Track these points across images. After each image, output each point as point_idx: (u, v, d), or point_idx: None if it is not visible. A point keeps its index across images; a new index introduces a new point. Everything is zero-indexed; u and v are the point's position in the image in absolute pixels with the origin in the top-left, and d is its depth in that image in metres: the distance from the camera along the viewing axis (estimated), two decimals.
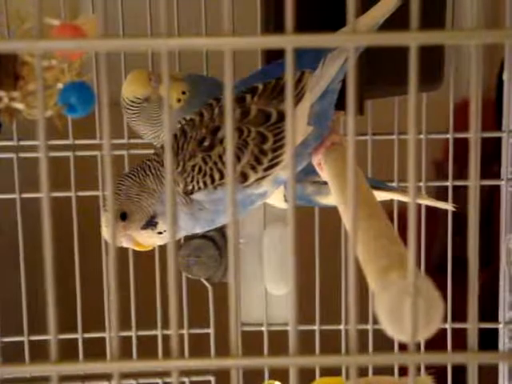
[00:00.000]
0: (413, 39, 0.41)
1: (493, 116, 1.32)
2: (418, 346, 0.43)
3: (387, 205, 0.99)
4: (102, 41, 0.39)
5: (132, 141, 1.10)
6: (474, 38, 0.41)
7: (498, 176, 1.13)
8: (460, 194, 1.08)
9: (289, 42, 0.40)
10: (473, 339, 0.42)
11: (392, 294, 0.43)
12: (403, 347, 0.44)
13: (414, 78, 0.42)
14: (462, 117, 0.99)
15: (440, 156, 1.74)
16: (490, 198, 1.74)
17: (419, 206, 1.01)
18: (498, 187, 1.13)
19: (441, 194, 1.14)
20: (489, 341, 1.13)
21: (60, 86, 0.48)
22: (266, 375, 1.11)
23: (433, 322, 0.43)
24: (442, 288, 1.16)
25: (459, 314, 1.06)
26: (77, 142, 1.11)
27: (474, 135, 0.43)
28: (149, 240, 0.81)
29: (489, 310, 1.15)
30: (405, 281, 0.43)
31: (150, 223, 0.80)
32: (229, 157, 0.43)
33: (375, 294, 0.46)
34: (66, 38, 0.45)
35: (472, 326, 0.41)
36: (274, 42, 0.41)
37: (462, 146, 1.09)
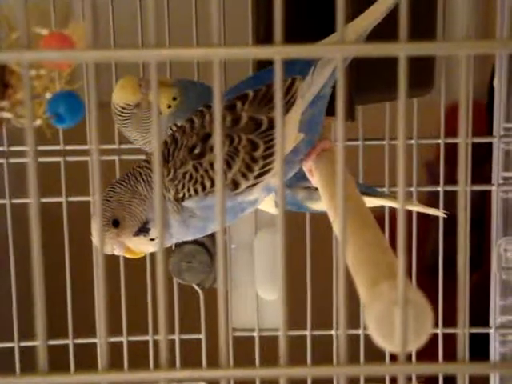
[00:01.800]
0: (402, 50, 0.41)
1: (484, 119, 1.32)
2: (409, 354, 0.43)
3: (378, 209, 0.99)
4: (91, 52, 0.39)
5: (123, 146, 1.10)
6: (463, 48, 0.41)
7: (490, 177, 1.13)
8: (452, 194, 1.08)
9: (277, 52, 0.40)
10: (463, 349, 0.42)
11: (382, 304, 0.43)
12: (394, 355, 0.44)
13: (404, 87, 0.41)
14: (454, 119, 0.99)
15: (431, 158, 1.74)
16: (482, 200, 1.74)
17: (410, 210, 1.01)
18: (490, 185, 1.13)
19: (433, 196, 1.14)
20: (480, 342, 1.13)
21: (49, 95, 0.48)
22: (258, 383, 1.11)
23: (423, 332, 0.43)
24: (433, 288, 1.15)
25: (451, 313, 1.06)
26: (67, 147, 1.11)
27: (463, 142, 0.43)
28: (141, 247, 0.81)
29: (479, 312, 1.15)
30: (395, 291, 0.43)
31: (143, 230, 0.80)
32: (218, 165, 0.43)
33: (365, 304, 0.46)
34: (54, 48, 0.45)
35: (462, 335, 0.41)
36: (262, 52, 0.41)
37: (453, 147, 1.09)
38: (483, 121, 1.33)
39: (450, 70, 1.07)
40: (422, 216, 1.06)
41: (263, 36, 0.95)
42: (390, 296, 0.43)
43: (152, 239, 0.80)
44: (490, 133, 1.13)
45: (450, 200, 1.08)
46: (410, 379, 0.95)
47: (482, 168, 1.25)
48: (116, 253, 0.81)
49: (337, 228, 0.63)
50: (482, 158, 1.17)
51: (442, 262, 1.10)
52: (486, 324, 1.14)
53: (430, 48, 0.41)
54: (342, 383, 0.43)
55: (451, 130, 1.10)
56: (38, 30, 0.48)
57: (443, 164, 1.10)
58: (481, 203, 1.74)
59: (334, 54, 0.41)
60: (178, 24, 1.05)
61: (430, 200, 1.13)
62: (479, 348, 1.09)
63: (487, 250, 1.15)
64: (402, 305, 0.42)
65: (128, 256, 0.82)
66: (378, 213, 1.01)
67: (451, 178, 1.11)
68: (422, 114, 1.08)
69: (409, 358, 0.44)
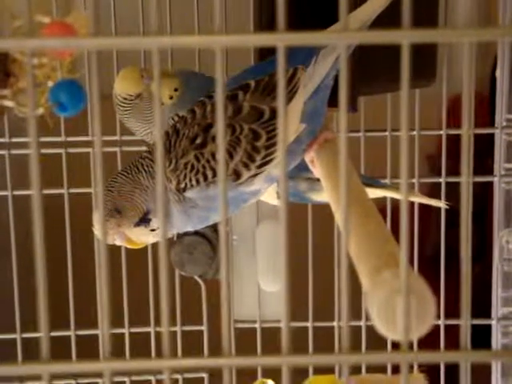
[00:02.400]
0: (405, 37, 0.40)
1: (487, 109, 1.32)
2: (411, 343, 0.43)
3: (380, 200, 0.98)
4: (93, 39, 0.39)
5: (124, 137, 1.10)
6: (466, 36, 0.40)
7: (492, 170, 1.13)
8: (454, 186, 1.08)
9: (280, 40, 0.40)
10: (465, 338, 0.42)
11: (384, 293, 0.43)
12: (396, 344, 0.44)
13: (406, 76, 0.41)
14: (456, 110, 0.99)
15: (433, 150, 1.74)
16: (485, 191, 1.74)
17: (412, 201, 1.01)
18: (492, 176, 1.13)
19: (435, 188, 1.14)
20: (481, 334, 1.13)
21: (51, 83, 0.48)
22: (259, 373, 1.11)
23: (425, 320, 0.43)
24: (435, 279, 1.15)
25: (452, 304, 1.06)
26: (69, 139, 1.11)
27: (465, 134, 0.43)
28: (142, 237, 0.81)
29: (481, 303, 1.15)
30: (397, 280, 0.43)
31: (144, 220, 0.79)
32: (220, 155, 0.43)
33: (367, 292, 0.45)
34: (56, 36, 0.45)
35: (464, 324, 0.41)
36: (265, 40, 0.41)
37: (455, 139, 1.09)
38: (485, 113, 1.33)
39: (451, 62, 1.07)
40: (423, 207, 1.06)
41: (265, 24, 0.95)
42: (393, 284, 0.43)
43: (153, 230, 0.80)
44: (492, 125, 1.13)
45: (452, 191, 1.08)
46: (411, 367, 0.95)
47: (484, 160, 1.25)
48: (117, 243, 0.81)
49: (339, 218, 0.63)
50: (483, 150, 1.17)
51: (443, 254, 1.10)
52: (488, 315, 1.14)
53: (432, 35, 0.41)
54: (345, 370, 0.43)
55: (453, 123, 1.10)
56: (39, 19, 0.47)
57: (445, 156, 1.10)
58: (482, 194, 1.74)
59: (337, 42, 0.41)
60: (180, 12, 1.05)
61: (432, 192, 1.13)
62: (481, 339, 1.10)
63: (489, 240, 1.15)
64: (404, 293, 0.42)
65: (129, 246, 0.82)
66: (380, 204, 1.01)
67: (453, 171, 1.11)
68: (423, 105, 1.08)
69: (410, 347, 0.44)
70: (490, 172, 1.13)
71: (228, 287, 0.44)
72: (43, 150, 1.08)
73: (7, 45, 0.39)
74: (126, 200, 0.79)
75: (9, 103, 0.49)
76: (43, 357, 0.43)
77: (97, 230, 0.80)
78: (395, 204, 1.04)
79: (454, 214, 0.96)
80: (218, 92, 0.42)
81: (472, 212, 0.99)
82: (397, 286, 0.43)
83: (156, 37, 0.40)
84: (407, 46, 0.41)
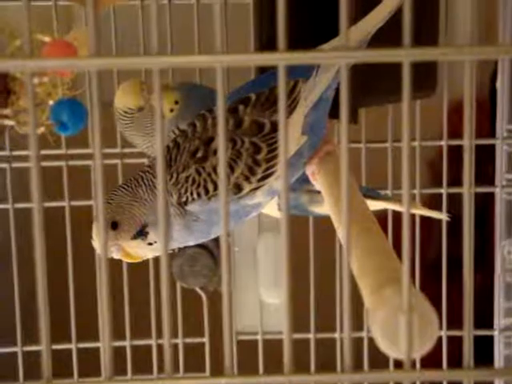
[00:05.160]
0: (405, 56, 0.40)
1: (486, 117, 1.32)
2: (414, 361, 0.43)
3: (381, 211, 0.98)
4: (93, 60, 0.39)
5: (125, 150, 1.10)
6: (467, 54, 0.40)
7: (493, 177, 1.12)
8: (456, 195, 1.08)
9: (281, 59, 0.40)
10: (468, 357, 0.42)
11: (386, 311, 0.43)
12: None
13: (407, 94, 0.41)
14: (456, 117, 0.98)
15: (435, 156, 1.73)
16: (486, 200, 1.74)
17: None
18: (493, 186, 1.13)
19: (436, 196, 1.14)
20: (483, 342, 1.12)
21: (51, 102, 0.48)
22: None
23: (428, 338, 0.43)
24: (436, 289, 1.14)
25: (454, 312, 1.06)
26: (70, 151, 1.11)
27: (468, 147, 0.43)
28: (139, 251, 0.80)
29: (482, 312, 1.15)
30: (399, 298, 0.43)
31: (141, 233, 0.79)
32: (221, 168, 0.43)
33: (369, 310, 0.45)
34: (57, 56, 0.45)
35: (467, 343, 0.41)
36: (265, 59, 0.41)
37: (457, 146, 1.09)
38: (485, 119, 1.33)
39: (452, 68, 1.07)
40: (425, 216, 1.06)
41: (266, 41, 0.95)
42: (395, 302, 0.43)
43: (150, 243, 0.79)
44: (492, 130, 1.13)
45: (454, 198, 1.08)
46: None
47: (485, 168, 1.25)
48: (114, 256, 0.80)
49: (341, 234, 0.63)
50: (484, 157, 1.17)
51: (445, 264, 1.10)
52: (489, 325, 1.14)
53: (433, 54, 0.41)
54: None
55: (454, 128, 1.10)
56: (40, 37, 0.47)
57: (446, 166, 1.10)
58: (484, 203, 1.73)
59: (337, 61, 0.41)
60: (181, 30, 1.05)
61: (434, 199, 1.13)
62: (483, 348, 1.09)
63: (490, 248, 1.15)
64: (406, 311, 0.42)
65: (126, 260, 0.82)
66: (382, 215, 1.00)
67: (454, 176, 1.11)
68: (424, 112, 1.07)
69: (413, 361, 0.44)
70: (491, 179, 1.13)
71: (229, 302, 0.44)
72: (44, 163, 1.09)
73: (7, 65, 0.39)
74: (123, 212, 0.79)
75: (10, 122, 0.49)
76: (44, 372, 0.43)
77: (95, 243, 0.79)
78: (396, 214, 1.04)
79: (455, 220, 0.96)
80: (218, 110, 0.42)
81: (473, 221, 0.99)
82: (399, 304, 0.43)
83: (157, 57, 0.40)
84: (408, 64, 0.41)
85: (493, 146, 1.12)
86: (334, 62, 0.40)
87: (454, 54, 0.41)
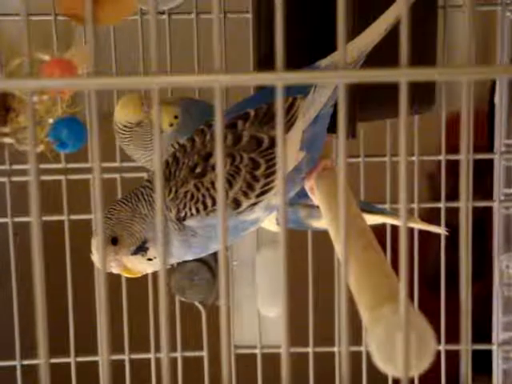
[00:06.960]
0: (403, 76, 0.41)
1: (484, 127, 1.32)
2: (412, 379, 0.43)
3: (380, 226, 0.98)
4: (92, 79, 0.39)
5: (124, 164, 1.10)
6: (464, 74, 0.41)
7: (491, 190, 1.12)
8: (455, 207, 1.08)
9: (279, 79, 0.40)
10: (466, 374, 0.42)
11: (383, 329, 0.43)
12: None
13: (405, 112, 0.42)
14: (456, 129, 0.99)
15: (433, 168, 1.73)
16: (484, 213, 1.74)
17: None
18: (491, 199, 1.13)
19: (435, 209, 1.14)
20: (481, 356, 1.12)
21: (51, 120, 0.48)
22: None
23: (425, 356, 0.43)
24: (434, 302, 1.14)
25: (452, 325, 1.06)
26: (69, 165, 1.11)
27: (465, 162, 0.44)
28: (138, 266, 0.80)
29: (480, 326, 1.15)
30: (396, 316, 0.43)
31: (141, 249, 0.79)
32: (219, 184, 0.43)
33: (367, 328, 0.45)
34: (56, 74, 0.45)
35: (465, 368, 0.41)
36: (264, 79, 0.41)
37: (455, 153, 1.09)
38: (484, 131, 1.33)
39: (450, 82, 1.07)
40: (424, 230, 1.06)
41: (264, 55, 0.95)
42: (392, 320, 0.43)
43: (150, 259, 0.80)
44: (491, 140, 1.13)
45: (453, 211, 1.08)
46: None
47: (483, 180, 1.25)
48: (113, 271, 0.80)
49: (339, 250, 0.63)
50: (482, 170, 1.17)
51: (444, 278, 1.10)
52: (487, 338, 1.14)
53: (431, 74, 0.41)
54: None
55: (453, 140, 1.10)
56: (39, 56, 0.48)
57: (444, 180, 1.10)
58: (482, 215, 1.73)
59: (335, 81, 0.41)
60: (180, 48, 1.06)
61: (433, 212, 1.13)
62: (481, 362, 1.09)
63: (488, 262, 1.15)
64: (403, 329, 0.42)
65: (125, 275, 0.82)
66: (380, 230, 1.01)
67: (454, 188, 1.11)
68: (423, 124, 1.08)
69: (411, 379, 0.44)
70: (490, 193, 1.13)
71: (228, 315, 0.44)
72: (43, 177, 1.09)
73: (7, 85, 0.40)
74: (123, 228, 0.79)
75: (9, 140, 0.49)
76: None
77: (94, 257, 0.79)
78: (394, 228, 1.04)
79: (453, 234, 0.96)
80: (217, 129, 0.42)
81: (471, 233, 0.99)
82: (396, 322, 0.43)
83: (156, 76, 0.40)
84: (405, 84, 0.41)
85: (491, 160, 1.13)
86: (332, 82, 0.40)
87: (451, 74, 0.41)
